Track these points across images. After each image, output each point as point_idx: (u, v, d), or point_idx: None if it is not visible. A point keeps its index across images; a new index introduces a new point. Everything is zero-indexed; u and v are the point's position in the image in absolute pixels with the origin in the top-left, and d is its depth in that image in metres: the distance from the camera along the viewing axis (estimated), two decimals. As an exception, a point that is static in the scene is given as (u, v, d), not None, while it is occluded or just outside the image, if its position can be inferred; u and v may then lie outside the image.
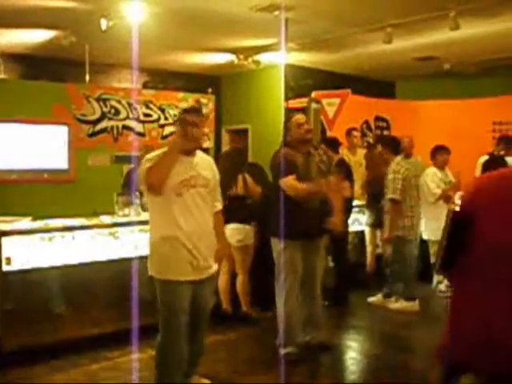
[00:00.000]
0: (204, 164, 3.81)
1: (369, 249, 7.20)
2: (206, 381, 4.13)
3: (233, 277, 5.73)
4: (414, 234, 6.31)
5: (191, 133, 3.66)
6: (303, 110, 7.20)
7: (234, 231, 5.48)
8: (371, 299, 6.58)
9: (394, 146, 6.51)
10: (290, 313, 4.78)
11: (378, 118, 8.78)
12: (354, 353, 5.18)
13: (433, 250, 7.07)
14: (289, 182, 4.61)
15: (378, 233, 7.33)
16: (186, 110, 3.95)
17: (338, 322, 5.96)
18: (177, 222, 3.59)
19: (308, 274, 4.84)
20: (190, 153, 3.71)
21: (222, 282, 5.71)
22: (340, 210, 4.76)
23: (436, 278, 7.13)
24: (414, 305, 6.30)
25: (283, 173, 4.66)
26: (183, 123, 3.71)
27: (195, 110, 4.01)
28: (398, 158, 6.32)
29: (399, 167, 6.20)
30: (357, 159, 7.17)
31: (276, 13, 6.90)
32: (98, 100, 8.26)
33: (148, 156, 3.70)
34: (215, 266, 3.85)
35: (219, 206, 3.99)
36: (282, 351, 4.77)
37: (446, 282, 7.05)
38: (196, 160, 3.76)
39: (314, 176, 4.69)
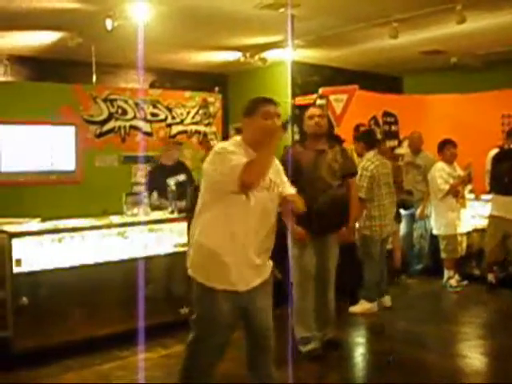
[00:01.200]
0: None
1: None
2: None
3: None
4: (382, 235, 6.05)
5: (276, 125, 3.24)
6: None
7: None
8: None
9: (369, 140, 6.23)
10: (303, 313, 4.79)
11: (385, 114, 8.74)
12: (361, 349, 5.18)
13: (443, 245, 7.06)
14: None
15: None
16: (263, 101, 3.39)
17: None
18: (236, 227, 3.15)
19: (320, 271, 4.81)
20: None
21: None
22: (354, 220, 4.74)
23: (446, 273, 7.11)
24: (373, 306, 6.09)
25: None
26: (269, 114, 3.26)
27: (274, 101, 3.42)
28: (370, 154, 6.04)
29: (368, 163, 5.94)
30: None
31: (281, 10, 6.88)
32: (105, 100, 8.27)
33: (225, 146, 3.20)
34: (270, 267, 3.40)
35: (290, 191, 3.40)
36: (303, 349, 4.76)
37: (456, 277, 7.06)
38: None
39: (322, 175, 4.62)
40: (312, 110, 4.79)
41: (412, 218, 7.59)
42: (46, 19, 7.14)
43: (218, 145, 3.29)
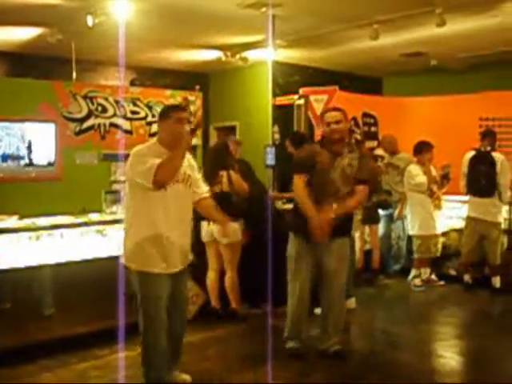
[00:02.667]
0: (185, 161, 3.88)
1: (358, 245, 7.21)
2: (187, 376, 4.15)
3: (221, 274, 5.72)
4: None
5: (185, 130, 3.76)
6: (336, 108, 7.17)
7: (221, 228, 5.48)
8: None
9: (299, 140, 6.14)
10: (291, 309, 4.80)
11: (365, 115, 8.78)
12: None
13: (416, 245, 7.15)
14: (298, 184, 4.59)
15: (367, 229, 7.36)
16: (174, 108, 4.09)
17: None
18: (157, 217, 3.74)
19: (321, 276, 4.74)
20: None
21: (211, 279, 5.72)
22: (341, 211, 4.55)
23: (413, 272, 7.19)
24: (350, 303, 6.02)
25: (299, 168, 4.64)
26: (179, 120, 3.78)
27: (183, 107, 4.24)
28: None
29: None
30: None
31: (263, 9, 6.88)
32: (84, 97, 8.22)
33: (139, 150, 3.77)
34: (190, 257, 4.06)
35: (205, 193, 4.12)
36: (286, 345, 4.83)
37: (422, 276, 7.15)
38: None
39: (334, 178, 4.52)
40: (329, 116, 4.62)
41: (390, 219, 7.65)
42: (26, 15, 7.08)
43: (135, 148, 3.80)
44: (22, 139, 7.69)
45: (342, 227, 4.64)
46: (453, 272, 7.48)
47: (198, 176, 4.12)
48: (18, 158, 7.68)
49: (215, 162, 5.65)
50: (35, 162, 7.79)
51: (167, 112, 3.89)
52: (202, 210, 4.22)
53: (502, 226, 6.95)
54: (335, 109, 4.76)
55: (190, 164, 3.96)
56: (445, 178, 7.13)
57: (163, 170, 3.61)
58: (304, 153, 4.82)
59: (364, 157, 4.75)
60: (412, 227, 7.18)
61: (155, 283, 3.77)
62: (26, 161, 7.73)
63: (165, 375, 3.92)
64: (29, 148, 7.77)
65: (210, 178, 5.53)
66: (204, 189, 4.14)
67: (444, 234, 7.58)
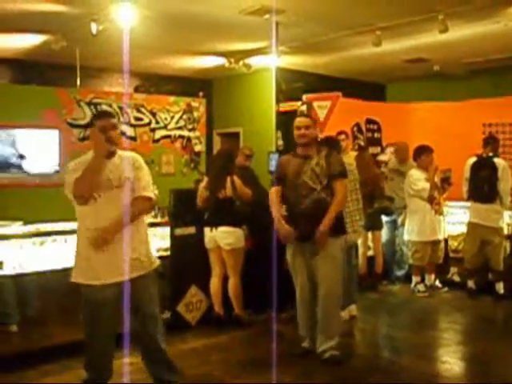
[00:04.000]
0: (122, 164, 3.77)
1: (360, 251, 7.21)
2: None
3: (224, 280, 5.73)
4: (346, 241, 5.58)
5: (112, 136, 3.68)
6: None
7: (224, 234, 5.49)
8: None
9: (332, 147, 6.05)
10: (298, 311, 4.97)
11: (368, 121, 8.80)
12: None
13: (411, 251, 7.14)
14: (271, 195, 4.92)
15: (370, 235, 7.36)
16: (97, 116, 4.05)
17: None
18: (88, 226, 3.65)
19: (312, 279, 4.82)
20: (108, 156, 3.71)
21: (214, 285, 5.72)
22: (327, 221, 4.63)
23: (414, 279, 7.18)
24: (344, 314, 5.85)
25: (274, 178, 5.00)
26: (101, 129, 3.69)
27: (107, 114, 4.03)
28: None
29: None
30: (347, 161, 7.16)
31: (266, 16, 6.92)
32: (89, 104, 8.26)
33: (72, 164, 3.78)
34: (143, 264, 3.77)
35: (139, 192, 3.75)
36: (302, 344, 4.97)
37: (426, 282, 7.15)
38: (114, 161, 3.75)
39: (305, 180, 4.68)
40: (298, 121, 4.85)
41: (394, 225, 7.63)
42: (31, 22, 7.13)
43: (70, 163, 3.83)
44: (26, 146, 7.73)
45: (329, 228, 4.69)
46: (456, 278, 7.47)
47: (143, 178, 3.80)
48: (23, 164, 7.71)
49: (220, 168, 5.66)
50: (39, 168, 7.83)
51: (92, 120, 3.95)
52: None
53: (505, 232, 6.94)
54: (305, 115, 5.16)
55: (130, 165, 3.77)
56: (445, 182, 7.12)
57: (78, 186, 3.57)
58: (277, 165, 5.13)
59: (331, 154, 4.90)
60: (409, 232, 7.15)
61: (88, 294, 3.70)
62: (30, 167, 7.76)
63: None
64: (33, 154, 7.80)
65: (216, 183, 5.55)
66: (141, 190, 3.77)
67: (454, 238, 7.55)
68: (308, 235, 4.68)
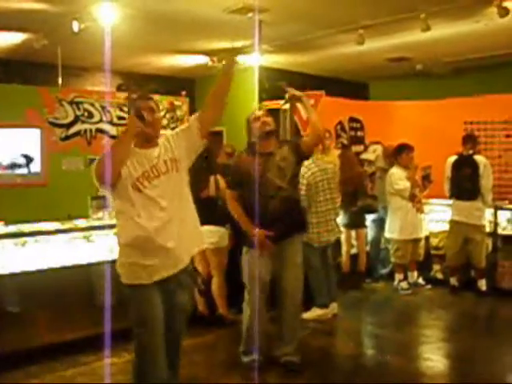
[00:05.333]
0: (165, 147, 3.43)
1: (344, 249, 7.24)
2: None
3: (208, 279, 5.72)
4: (320, 242, 5.96)
5: (148, 117, 3.32)
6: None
7: (208, 233, 5.46)
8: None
9: None
10: (248, 322, 4.66)
11: (351, 119, 8.82)
12: (323, 353, 5.23)
13: (393, 249, 7.18)
14: (229, 200, 4.66)
15: (353, 233, 7.38)
16: (138, 97, 3.53)
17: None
18: (138, 221, 3.24)
19: (277, 283, 4.67)
20: (150, 144, 3.38)
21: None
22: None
23: (397, 276, 7.23)
24: (326, 312, 6.03)
25: (231, 182, 4.69)
26: (136, 110, 3.34)
27: (146, 96, 3.56)
28: (309, 161, 5.76)
29: (305, 170, 5.78)
30: (330, 159, 7.18)
31: (249, 15, 6.90)
32: (71, 103, 8.20)
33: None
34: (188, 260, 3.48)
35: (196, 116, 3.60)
36: (244, 359, 4.72)
37: (409, 279, 7.20)
38: (157, 150, 3.40)
39: (271, 177, 4.47)
40: (255, 113, 4.68)
41: (379, 223, 7.65)
42: (11, 20, 7.05)
43: None
44: (7, 145, 7.65)
45: (290, 228, 4.59)
46: (439, 275, 7.52)
47: (187, 127, 3.57)
48: (4, 164, 7.64)
49: (201, 167, 5.63)
50: (21, 168, 7.76)
51: (128, 103, 3.62)
52: (210, 102, 3.76)
53: (487, 229, 7.00)
54: (259, 109, 4.80)
55: (171, 145, 3.45)
56: (426, 179, 7.17)
57: (98, 164, 3.25)
58: (234, 166, 4.79)
59: (291, 141, 4.96)
60: (391, 231, 7.19)
61: (143, 297, 3.32)
62: (12, 167, 7.69)
63: None
64: (14, 154, 7.73)
65: (197, 183, 5.53)
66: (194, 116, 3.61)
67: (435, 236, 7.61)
68: (281, 235, 4.52)
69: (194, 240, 3.54)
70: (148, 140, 3.38)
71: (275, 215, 4.44)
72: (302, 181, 5.76)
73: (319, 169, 5.95)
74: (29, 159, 7.77)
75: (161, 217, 3.28)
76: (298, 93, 4.65)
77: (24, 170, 7.78)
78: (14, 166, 7.72)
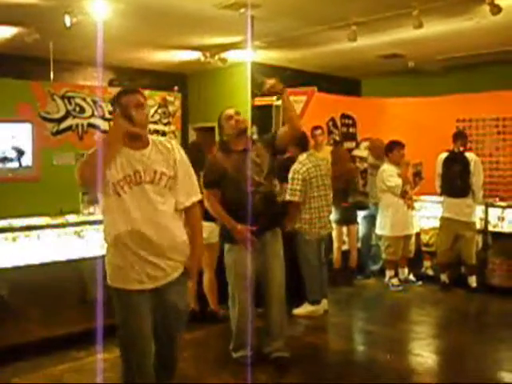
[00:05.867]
0: (159, 154, 3.23)
1: (335, 245, 7.26)
2: None
3: (199, 275, 5.71)
4: (315, 236, 5.97)
5: (136, 115, 3.11)
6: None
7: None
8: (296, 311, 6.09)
9: (301, 142, 6.01)
10: (237, 318, 4.67)
11: (343, 116, 8.82)
12: (315, 350, 5.24)
13: (384, 245, 7.21)
14: (210, 200, 4.57)
15: (345, 229, 7.39)
16: (122, 92, 3.30)
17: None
18: (117, 225, 3.12)
19: (260, 277, 4.67)
20: (139, 143, 3.17)
21: (189, 280, 5.69)
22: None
23: (388, 273, 7.25)
24: (318, 309, 6.05)
25: (207, 183, 4.60)
26: (124, 105, 3.14)
27: (133, 90, 3.29)
28: (303, 157, 5.95)
29: (300, 166, 5.87)
30: (322, 156, 7.20)
31: (242, 10, 6.89)
32: (62, 98, 8.18)
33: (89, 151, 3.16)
34: (180, 269, 3.32)
35: (187, 201, 3.32)
36: (234, 355, 4.73)
37: (399, 276, 7.23)
38: (147, 152, 3.19)
39: (249, 174, 4.48)
40: (227, 112, 4.66)
41: (370, 220, 7.67)
42: (2, 14, 7.01)
43: None
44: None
45: (270, 222, 4.62)
46: (430, 272, 7.55)
47: (189, 173, 3.38)
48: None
49: (193, 162, 5.61)
50: (12, 162, 7.73)
51: (114, 97, 3.33)
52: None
53: (478, 226, 7.03)
54: (228, 108, 4.76)
55: (168, 159, 3.25)
56: (417, 175, 7.20)
57: (82, 168, 3.07)
58: (208, 166, 4.72)
59: (262, 136, 4.96)
60: (382, 227, 7.20)
61: (128, 302, 3.20)
62: (3, 161, 7.66)
63: None
64: (5, 148, 7.70)
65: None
66: (187, 196, 3.33)
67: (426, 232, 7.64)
68: (262, 229, 4.54)
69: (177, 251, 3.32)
70: (135, 138, 3.17)
71: (256, 210, 4.45)
72: (297, 176, 5.80)
73: (313, 165, 5.95)
74: (20, 153, 7.74)
75: (135, 223, 3.12)
76: (273, 83, 4.55)
77: (15, 165, 7.77)
78: (4, 160, 7.69)
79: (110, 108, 8.55)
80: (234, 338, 4.75)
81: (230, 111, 4.67)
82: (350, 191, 7.25)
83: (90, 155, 3.06)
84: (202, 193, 5.51)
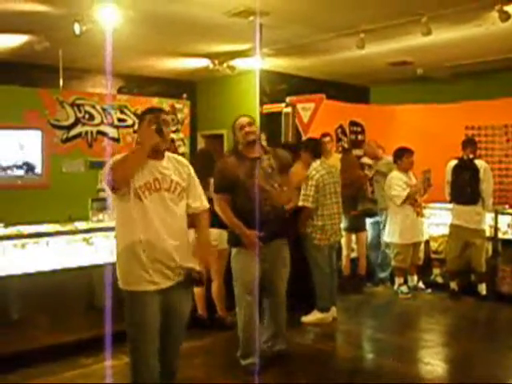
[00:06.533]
0: (174, 166, 3.56)
1: (344, 252, 7.24)
2: None
3: (208, 282, 5.71)
4: (327, 243, 5.96)
5: (163, 129, 3.41)
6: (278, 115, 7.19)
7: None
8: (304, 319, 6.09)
9: (314, 149, 6.10)
10: (243, 325, 4.71)
11: (352, 123, 8.82)
12: (323, 357, 5.22)
13: (393, 253, 7.17)
14: (220, 205, 4.65)
15: (353, 237, 7.38)
16: (151, 110, 3.67)
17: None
18: (136, 229, 3.34)
19: (266, 281, 4.74)
20: (158, 155, 3.48)
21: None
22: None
23: (397, 280, 7.22)
24: (327, 316, 6.03)
25: (218, 186, 4.68)
26: (152, 119, 3.45)
27: (162, 109, 3.79)
28: (316, 163, 5.98)
29: (314, 173, 5.89)
30: (331, 163, 7.20)
31: (251, 18, 6.91)
32: (72, 105, 8.21)
33: (115, 157, 3.41)
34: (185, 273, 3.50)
35: (199, 205, 3.65)
36: (242, 363, 4.74)
37: (408, 283, 7.20)
38: (164, 163, 3.52)
39: (260, 183, 4.57)
40: (241, 120, 4.72)
41: (377, 226, 7.65)
42: (13, 22, 7.06)
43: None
44: (7, 147, 7.66)
45: (278, 230, 4.70)
46: (439, 280, 7.52)
47: (198, 186, 3.70)
48: (5, 165, 7.66)
49: (202, 169, 5.62)
50: (21, 169, 7.77)
51: (142, 114, 3.63)
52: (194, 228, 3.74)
53: (487, 234, 7.00)
54: (244, 115, 4.82)
55: (182, 172, 3.59)
56: (425, 182, 7.16)
57: (115, 168, 3.27)
58: (221, 169, 4.75)
59: (276, 150, 4.93)
60: (391, 235, 7.17)
61: (140, 303, 3.39)
62: (13, 168, 7.70)
63: None
64: (15, 156, 7.74)
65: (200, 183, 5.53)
66: (198, 201, 3.66)
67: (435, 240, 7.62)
68: (270, 237, 4.63)
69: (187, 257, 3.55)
70: (157, 151, 3.46)
71: (266, 217, 4.54)
72: (311, 182, 5.82)
73: (326, 171, 5.97)
74: (30, 167, 7.80)
75: (153, 226, 3.37)
76: None
77: (24, 172, 7.79)
78: (14, 167, 7.73)
79: (120, 115, 8.67)
80: (241, 346, 4.76)
81: (244, 121, 4.71)
82: (359, 199, 7.24)
83: (126, 157, 3.34)
84: (209, 200, 5.54)
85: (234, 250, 4.78)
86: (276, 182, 4.67)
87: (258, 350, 4.66)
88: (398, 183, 6.96)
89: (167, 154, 3.58)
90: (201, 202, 3.67)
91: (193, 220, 3.67)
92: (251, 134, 4.63)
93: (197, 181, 3.69)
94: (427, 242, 7.56)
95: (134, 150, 3.45)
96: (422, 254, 7.32)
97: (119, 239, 3.45)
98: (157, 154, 3.46)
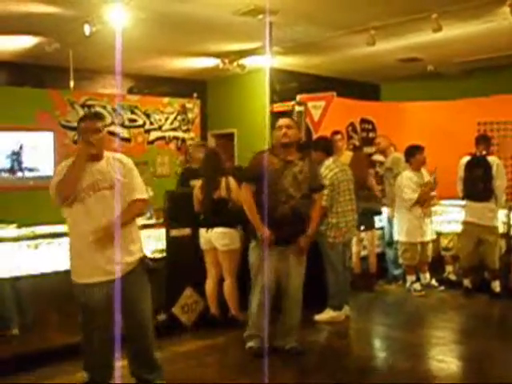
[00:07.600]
0: (111, 165, 3.82)
1: (354, 250, 7.21)
2: None
3: (220, 281, 5.71)
4: (341, 240, 5.94)
5: (93, 139, 3.71)
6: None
7: (220, 235, 5.47)
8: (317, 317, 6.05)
9: (327, 147, 6.11)
10: (253, 311, 4.91)
11: (363, 121, 8.78)
12: (336, 354, 5.21)
13: (401, 250, 7.15)
14: (244, 193, 4.80)
15: (363, 234, 7.36)
16: (82, 118, 4.03)
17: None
18: (80, 227, 3.68)
19: (281, 282, 4.87)
20: (96, 157, 3.76)
21: (210, 286, 5.70)
22: (312, 231, 4.89)
23: (409, 278, 7.19)
24: (340, 314, 6.01)
25: (246, 176, 4.84)
26: (83, 131, 3.77)
27: (91, 116, 4.16)
28: (329, 161, 5.96)
29: (327, 171, 5.86)
30: (342, 161, 7.17)
31: (260, 17, 6.91)
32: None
33: (58, 167, 3.82)
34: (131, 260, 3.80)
35: (135, 195, 3.84)
36: (248, 344, 4.96)
37: (421, 281, 7.17)
38: (102, 164, 3.80)
39: (286, 186, 4.66)
40: (281, 121, 4.81)
41: (391, 224, 7.61)
42: (24, 24, 7.10)
43: (58, 166, 3.89)
44: (20, 148, 7.70)
45: (296, 233, 4.78)
46: (452, 277, 7.48)
47: (135, 179, 3.90)
48: (17, 166, 7.69)
49: (213, 168, 5.64)
50: (33, 171, 7.80)
51: (77, 123, 3.98)
52: None
53: (500, 230, 6.95)
54: (288, 116, 4.95)
55: (121, 168, 3.85)
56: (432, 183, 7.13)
57: (61, 189, 3.67)
58: (254, 161, 4.87)
59: (313, 164, 5.01)
60: (399, 233, 7.17)
61: (81, 292, 3.76)
62: (25, 170, 7.74)
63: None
64: (27, 157, 7.78)
65: (210, 184, 5.54)
66: (135, 192, 3.86)
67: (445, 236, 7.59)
68: (286, 240, 4.75)
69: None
70: (94, 155, 3.76)
71: (283, 219, 4.65)
72: (325, 181, 5.77)
73: (340, 169, 5.97)
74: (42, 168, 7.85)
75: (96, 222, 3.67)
76: None
77: (36, 173, 7.83)
78: (26, 169, 7.77)
79: (131, 116, 8.72)
80: (247, 328, 4.99)
81: (283, 122, 4.80)
82: (360, 197, 7.19)
83: (66, 173, 3.67)
84: (219, 200, 5.53)
85: (253, 242, 4.90)
86: (302, 190, 4.73)
87: (265, 337, 4.85)
88: (408, 184, 6.92)
89: (106, 153, 3.86)
90: (136, 194, 3.85)
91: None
92: (285, 137, 4.71)
93: (136, 174, 3.90)
94: (438, 239, 7.51)
95: (70, 167, 3.68)
96: (430, 252, 7.28)
97: (70, 237, 3.83)
98: (94, 157, 3.76)
